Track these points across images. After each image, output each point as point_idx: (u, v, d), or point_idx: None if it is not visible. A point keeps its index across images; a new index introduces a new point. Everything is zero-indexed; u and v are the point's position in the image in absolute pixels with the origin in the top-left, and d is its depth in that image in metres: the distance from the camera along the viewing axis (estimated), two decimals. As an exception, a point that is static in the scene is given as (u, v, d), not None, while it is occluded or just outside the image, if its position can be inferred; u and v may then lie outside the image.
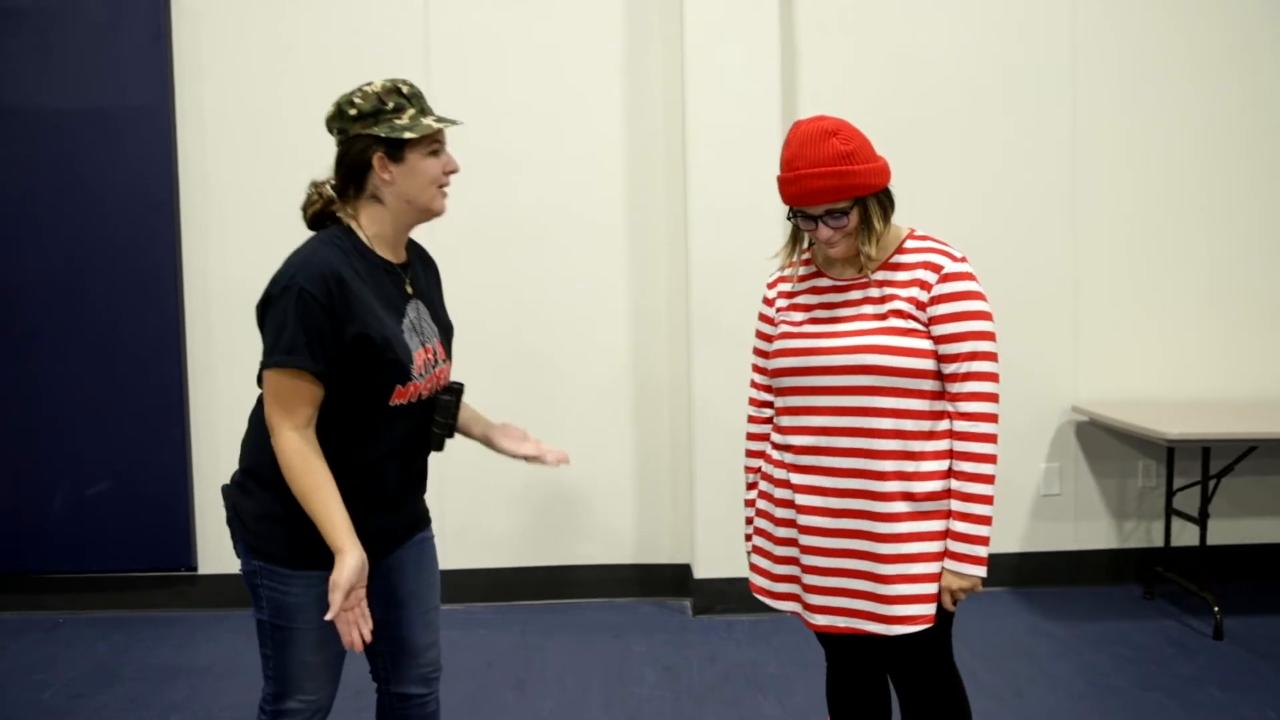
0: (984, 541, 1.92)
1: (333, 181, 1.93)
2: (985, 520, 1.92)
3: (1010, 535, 4.12)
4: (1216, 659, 3.40)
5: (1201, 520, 3.72)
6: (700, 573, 3.95)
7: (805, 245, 2.09)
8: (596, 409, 4.10)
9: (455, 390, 2.00)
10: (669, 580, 4.13)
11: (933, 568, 1.93)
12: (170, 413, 4.00)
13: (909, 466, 1.93)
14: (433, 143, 1.90)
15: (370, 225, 1.92)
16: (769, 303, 2.14)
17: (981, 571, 1.92)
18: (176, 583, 4.08)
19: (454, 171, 1.95)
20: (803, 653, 3.47)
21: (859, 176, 1.91)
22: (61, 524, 4.01)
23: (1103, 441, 4.12)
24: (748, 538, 2.19)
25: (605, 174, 4.06)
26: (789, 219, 2.02)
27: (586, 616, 3.95)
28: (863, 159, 1.93)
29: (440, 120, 1.90)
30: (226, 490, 1.96)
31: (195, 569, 4.05)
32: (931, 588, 1.94)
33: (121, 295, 3.96)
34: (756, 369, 2.16)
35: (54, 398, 3.97)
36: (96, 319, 3.96)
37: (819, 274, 2.06)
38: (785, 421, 2.04)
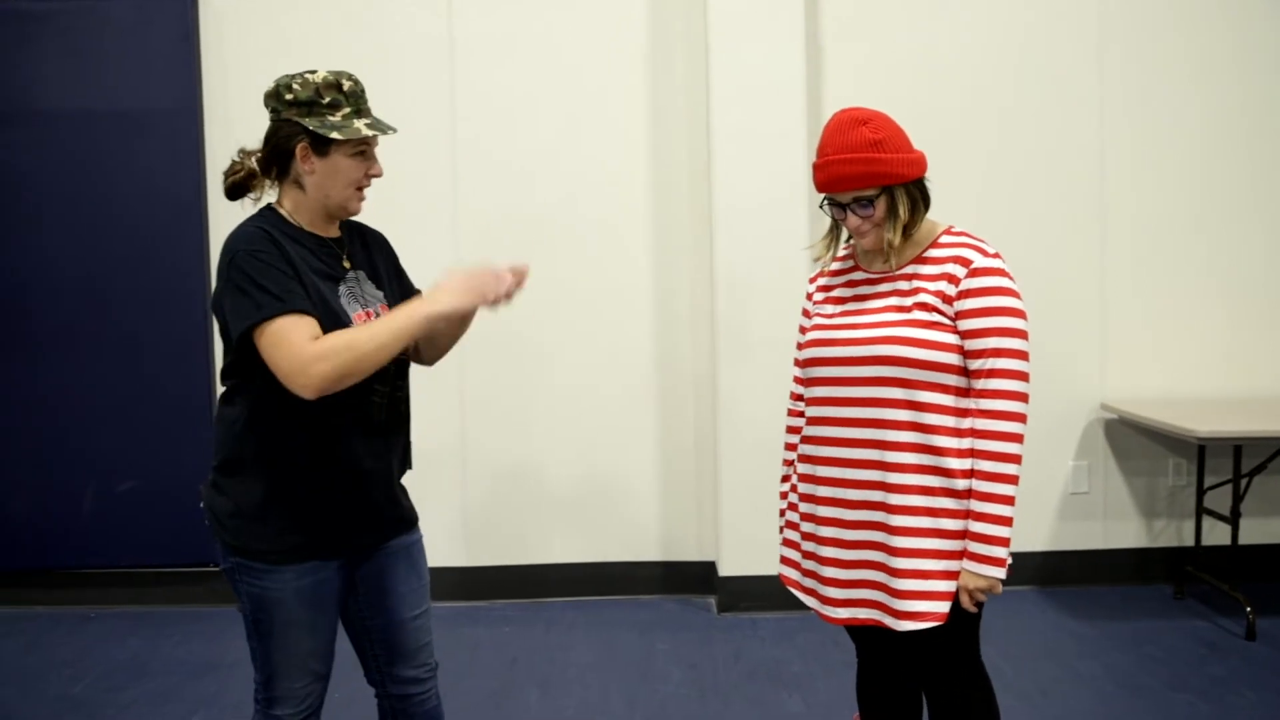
0: (1003, 543, 1.88)
1: (259, 154, 1.95)
2: (1005, 521, 1.88)
3: (1038, 534, 4.08)
4: (1249, 660, 3.35)
5: (1233, 519, 3.68)
6: (725, 570, 3.94)
7: (847, 239, 2.09)
8: (622, 407, 4.11)
9: (398, 359, 1.95)
10: (694, 578, 4.12)
11: (948, 565, 1.91)
12: (198, 411, 4.03)
13: (928, 461, 1.90)
14: (361, 145, 1.91)
15: (293, 207, 1.94)
16: (809, 297, 2.15)
17: (1000, 573, 1.89)
18: (206, 578, 4.12)
19: (377, 175, 1.95)
20: (827, 651, 3.45)
21: (886, 165, 1.91)
22: (93, 521, 4.06)
23: (1132, 439, 4.08)
24: (780, 529, 2.19)
25: (629, 174, 4.05)
26: (821, 208, 2.03)
27: (611, 614, 3.95)
28: (892, 148, 1.92)
29: (373, 126, 1.90)
30: (202, 491, 1.98)
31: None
32: (945, 585, 1.90)
33: (149, 297, 4.00)
34: (797, 363, 2.16)
35: (84, 398, 4.02)
36: (125, 320, 4.01)
37: (856, 268, 2.07)
38: (811, 412, 2.05)
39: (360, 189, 1.94)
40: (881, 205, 1.93)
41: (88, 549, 4.08)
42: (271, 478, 1.87)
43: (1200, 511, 3.90)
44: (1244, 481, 3.70)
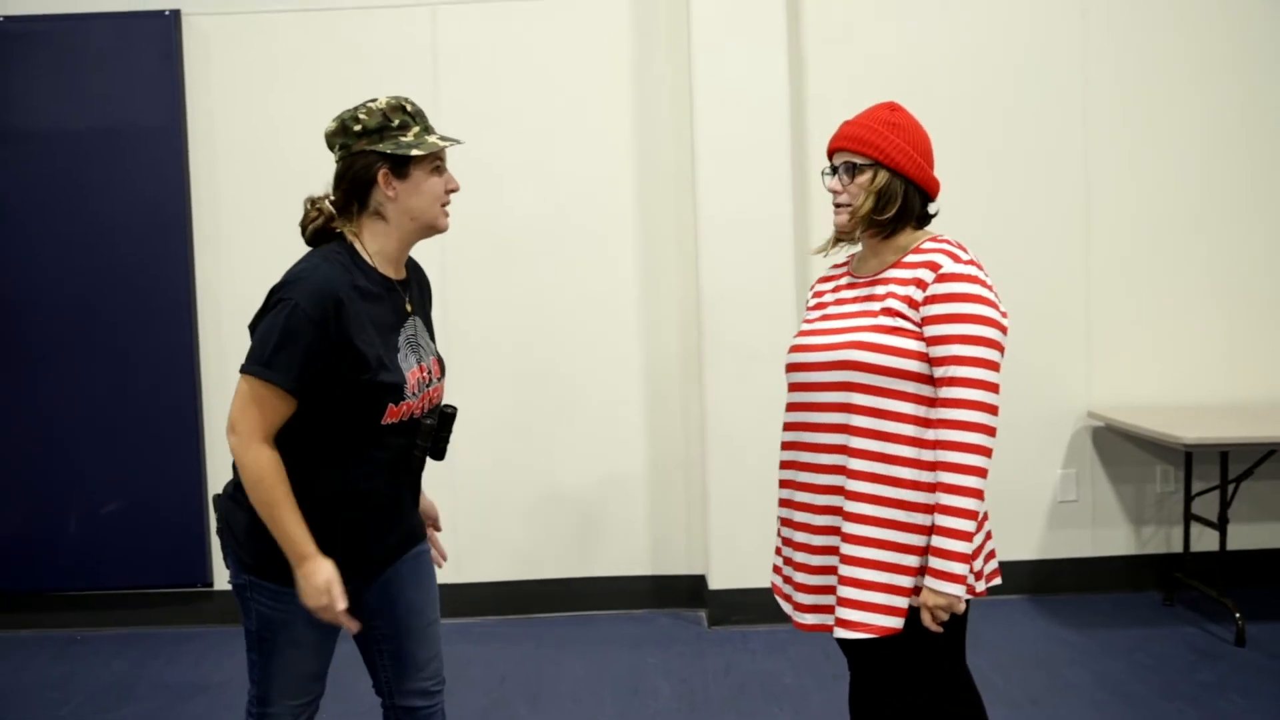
0: (963, 559, 1.82)
1: (332, 197, 1.93)
2: (965, 536, 1.82)
3: (1027, 542, 4.09)
4: (1238, 666, 3.35)
5: (1221, 525, 3.69)
6: (715, 584, 3.93)
7: (836, 247, 2.09)
8: (609, 420, 4.10)
9: (444, 414, 1.99)
10: (684, 591, 4.11)
11: (892, 579, 1.86)
12: (184, 430, 4.01)
13: (882, 470, 1.87)
14: (436, 160, 1.92)
15: (373, 242, 1.92)
16: (807, 303, 2.15)
17: (958, 590, 1.82)
18: (192, 599, 4.09)
19: (455, 190, 1.96)
20: (819, 664, 3.45)
21: (887, 142, 1.93)
22: (78, 542, 4.03)
23: (1119, 446, 4.09)
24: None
25: (614, 186, 4.06)
26: (823, 176, 2.03)
27: (601, 628, 3.93)
28: (903, 138, 1.94)
29: (445, 139, 1.92)
30: (218, 501, 1.97)
31: (210, 585, 4.07)
32: (886, 598, 1.86)
33: (135, 314, 3.99)
34: None
35: (69, 416, 4.00)
36: (111, 337, 4.00)
37: (848, 273, 2.07)
38: (787, 418, 2.04)
39: (444, 205, 1.94)
40: (865, 180, 1.94)
41: (75, 571, 4.05)
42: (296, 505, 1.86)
43: (1188, 518, 3.91)
44: (1231, 487, 3.71)
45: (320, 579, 1.81)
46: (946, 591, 1.83)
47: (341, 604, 1.81)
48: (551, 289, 4.07)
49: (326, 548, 1.88)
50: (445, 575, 4.05)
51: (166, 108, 3.97)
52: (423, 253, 3.99)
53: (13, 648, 3.90)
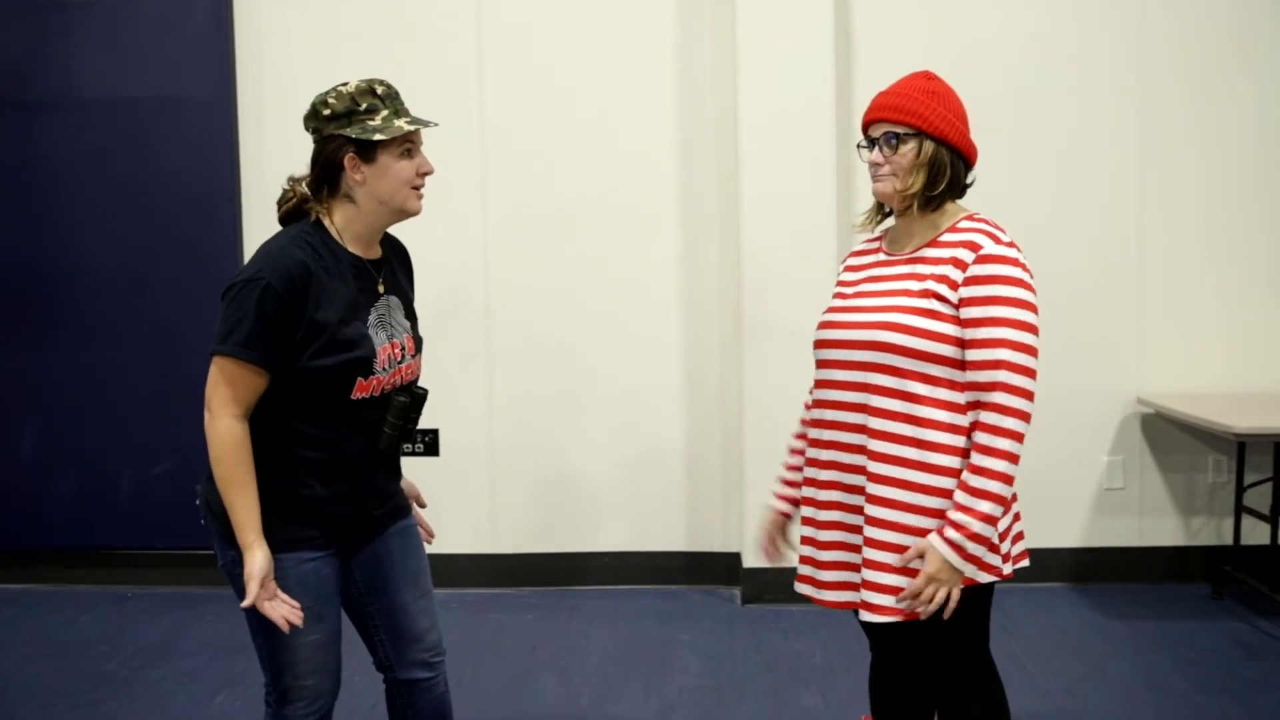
0: (983, 541, 1.78)
1: (308, 178, 1.95)
2: (990, 519, 1.78)
3: (1071, 529, 4.00)
4: (1285, 663, 3.26)
5: (1273, 518, 3.58)
6: (750, 561, 3.92)
7: (882, 222, 2.04)
8: (648, 397, 4.10)
9: (415, 394, 2.00)
10: (720, 569, 4.11)
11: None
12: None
13: (911, 454, 1.84)
14: (405, 143, 1.92)
15: (343, 223, 1.94)
16: (839, 279, 2.12)
17: (967, 569, 1.79)
18: (238, 561, 4.19)
19: (428, 173, 1.96)
20: (849, 645, 3.42)
21: (929, 110, 1.88)
22: (131, 503, 4.16)
23: (1169, 434, 3.97)
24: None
25: (656, 163, 4.03)
26: (858, 149, 1.99)
27: (636, 603, 3.95)
28: (944, 106, 1.89)
29: (414, 122, 1.91)
30: (199, 490, 2.00)
31: (256, 548, 4.16)
32: (904, 582, 1.84)
33: (185, 283, 4.07)
34: None
35: (121, 382, 4.11)
36: (160, 306, 4.08)
37: (880, 250, 2.03)
38: (815, 395, 2.02)
39: (416, 188, 1.95)
40: (909, 151, 1.88)
41: (127, 530, 4.18)
42: (270, 479, 1.89)
43: (1240, 509, 3.79)
44: (1286, 479, 3.59)
45: (252, 567, 1.82)
46: (956, 563, 1.78)
47: (251, 599, 1.81)
48: (593, 266, 4.06)
49: (307, 514, 1.91)
50: (483, 546, 4.13)
51: (216, 78, 4.02)
52: (467, 232, 4.04)
53: (69, 602, 4.04)
